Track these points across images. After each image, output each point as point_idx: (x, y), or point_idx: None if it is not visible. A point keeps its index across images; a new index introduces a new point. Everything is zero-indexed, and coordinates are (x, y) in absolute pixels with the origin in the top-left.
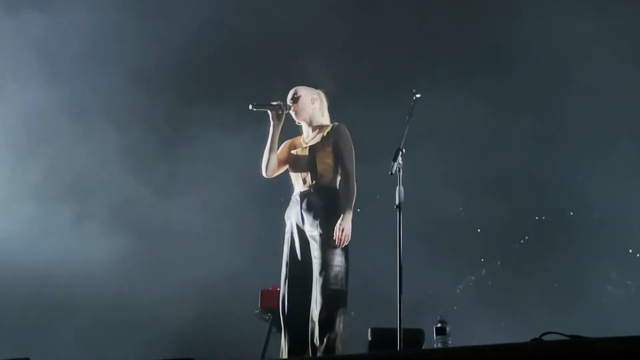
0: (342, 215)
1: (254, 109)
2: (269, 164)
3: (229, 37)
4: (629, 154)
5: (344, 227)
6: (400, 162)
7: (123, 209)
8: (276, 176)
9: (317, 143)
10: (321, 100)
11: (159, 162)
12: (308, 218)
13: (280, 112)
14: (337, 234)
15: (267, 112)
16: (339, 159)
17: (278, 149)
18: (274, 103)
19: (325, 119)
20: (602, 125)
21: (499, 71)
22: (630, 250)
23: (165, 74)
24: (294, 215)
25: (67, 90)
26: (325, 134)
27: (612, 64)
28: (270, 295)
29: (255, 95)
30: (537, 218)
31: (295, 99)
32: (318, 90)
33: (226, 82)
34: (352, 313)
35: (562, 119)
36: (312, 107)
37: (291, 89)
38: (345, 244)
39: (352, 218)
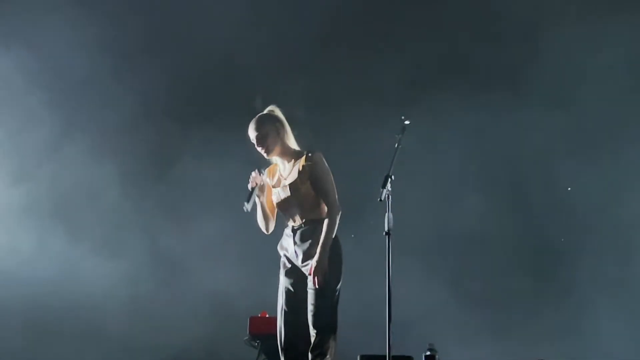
0: (316, 254)
1: (249, 204)
2: (268, 225)
3: (223, 61)
4: (630, 171)
5: (316, 266)
6: (389, 188)
7: (118, 234)
8: None
9: (295, 180)
10: (282, 122)
11: (154, 187)
12: (301, 252)
13: (263, 184)
14: (311, 276)
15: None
16: (319, 191)
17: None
18: (253, 185)
19: (292, 142)
20: (611, 136)
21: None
22: (624, 276)
23: (161, 99)
24: (288, 248)
25: (62, 113)
26: (300, 168)
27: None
28: (259, 322)
29: (252, 114)
30: (531, 243)
31: (261, 140)
32: (274, 114)
33: (222, 106)
34: (342, 339)
35: (568, 131)
36: (278, 138)
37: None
38: (321, 282)
39: (338, 246)
